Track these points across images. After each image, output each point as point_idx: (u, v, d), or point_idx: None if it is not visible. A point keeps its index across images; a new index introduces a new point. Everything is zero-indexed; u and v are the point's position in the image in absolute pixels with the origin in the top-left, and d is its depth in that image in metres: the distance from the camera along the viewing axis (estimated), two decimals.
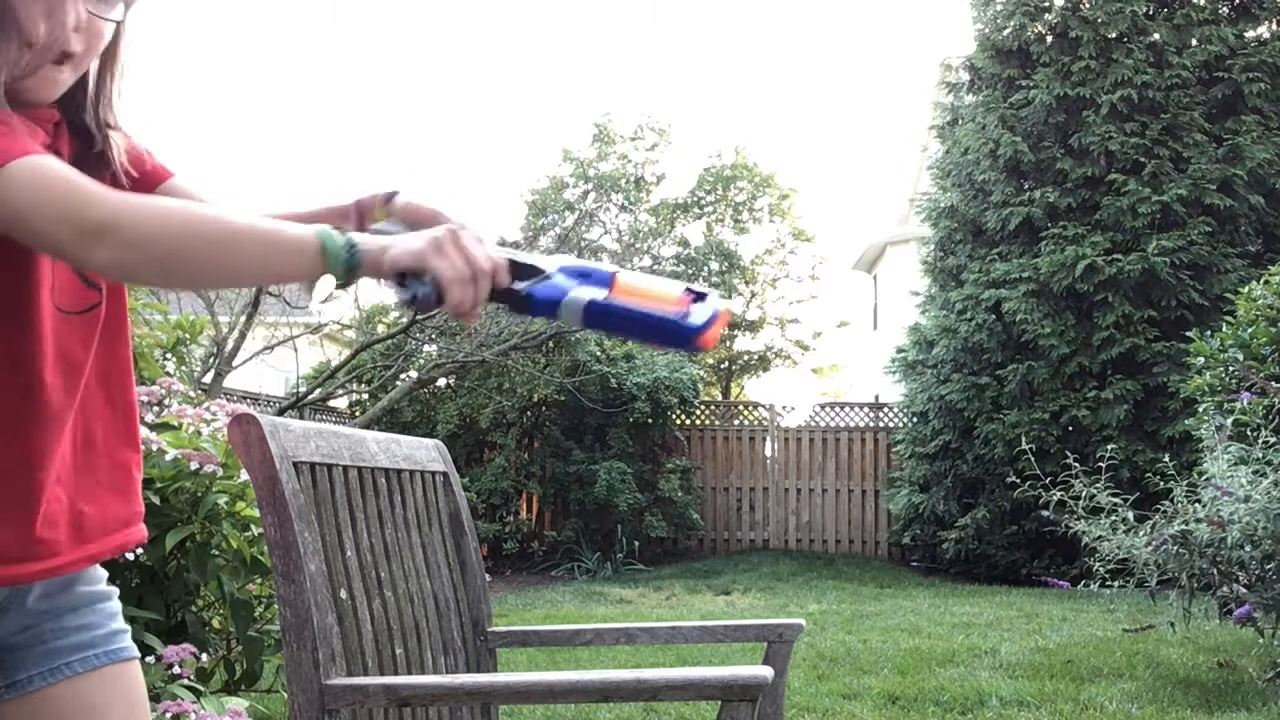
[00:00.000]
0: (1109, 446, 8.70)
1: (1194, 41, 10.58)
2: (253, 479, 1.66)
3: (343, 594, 1.76)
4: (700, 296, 1.31)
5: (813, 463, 12.68)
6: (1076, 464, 5.43)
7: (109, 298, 1.34)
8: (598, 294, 1.28)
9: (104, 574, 1.42)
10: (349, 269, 1.19)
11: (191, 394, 3.83)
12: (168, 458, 3.02)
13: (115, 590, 1.43)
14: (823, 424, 12.86)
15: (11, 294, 1.22)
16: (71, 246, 1.11)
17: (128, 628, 1.42)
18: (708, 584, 10.08)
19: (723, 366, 24.51)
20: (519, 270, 1.28)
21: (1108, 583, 5.14)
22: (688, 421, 12.86)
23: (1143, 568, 4.95)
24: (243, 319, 8.44)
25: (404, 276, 1.22)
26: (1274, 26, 11.02)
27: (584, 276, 1.30)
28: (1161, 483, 5.30)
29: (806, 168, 48.27)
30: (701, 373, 16.32)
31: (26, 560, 1.26)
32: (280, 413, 9.12)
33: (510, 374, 11.46)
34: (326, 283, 1.21)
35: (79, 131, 1.31)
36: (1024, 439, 9.09)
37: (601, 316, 1.28)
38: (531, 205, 23.65)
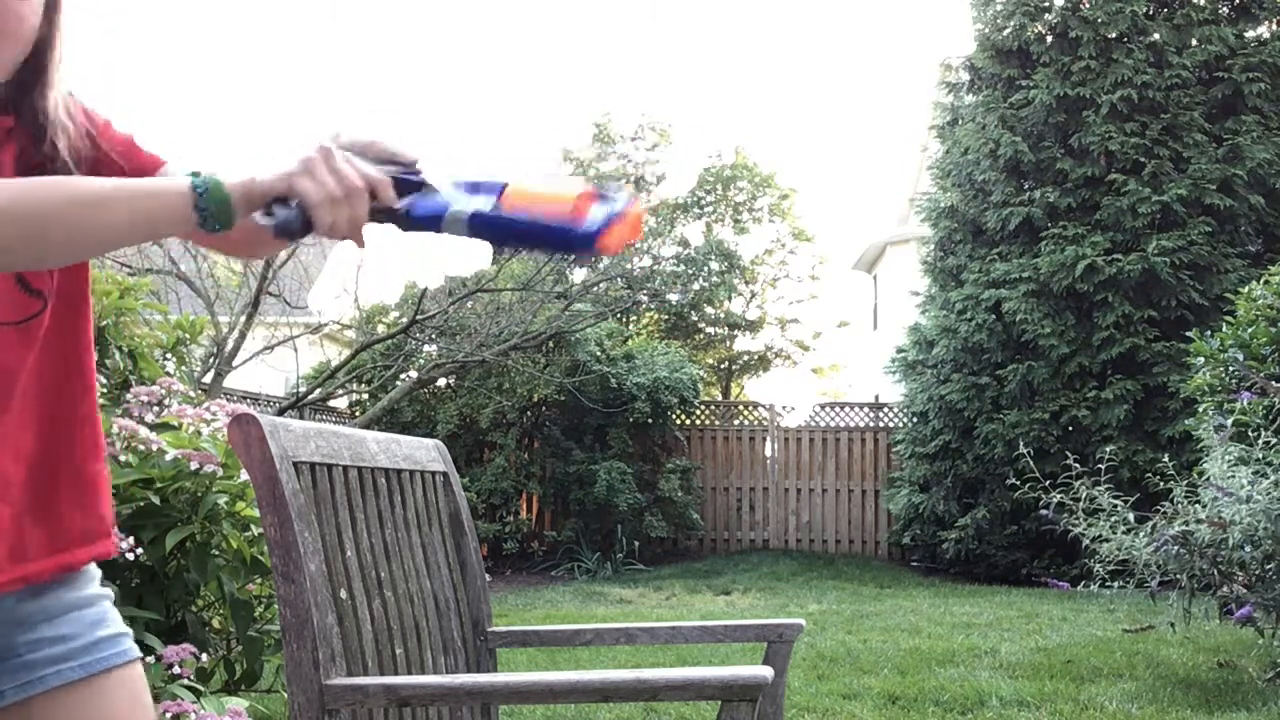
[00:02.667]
0: (1109, 447, 8.72)
1: (1194, 41, 10.58)
2: (253, 479, 1.66)
3: (343, 594, 1.76)
4: (603, 197, 1.23)
5: (813, 463, 12.68)
6: (1076, 464, 5.43)
7: (62, 306, 1.30)
8: (484, 205, 1.21)
9: (96, 575, 1.37)
10: (214, 204, 1.16)
11: (191, 394, 3.83)
12: (168, 458, 3.02)
13: (106, 594, 1.37)
14: (823, 424, 12.86)
15: None
16: None
17: (124, 631, 1.37)
18: (708, 584, 10.08)
19: (723, 366, 24.50)
20: (406, 187, 1.23)
21: (1108, 583, 5.14)
22: (688, 421, 12.86)
23: (1143, 568, 4.95)
24: (243, 319, 8.44)
25: (274, 204, 1.18)
26: (1274, 26, 11.02)
27: (474, 188, 1.23)
28: (1161, 483, 5.30)
29: (806, 168, 48.29)
30: (701, 373, 16.32)
31: None
32: (280, 413, 9.12)
33: (510, 374, 11.46)
34: (201, 222, 1.16)
35: (32, 132, 1.27)
36: (1024, 439, 9.11)
37: (487, 227, 1.21)
38: None
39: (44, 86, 1.26)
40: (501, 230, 1.22)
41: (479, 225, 1.21)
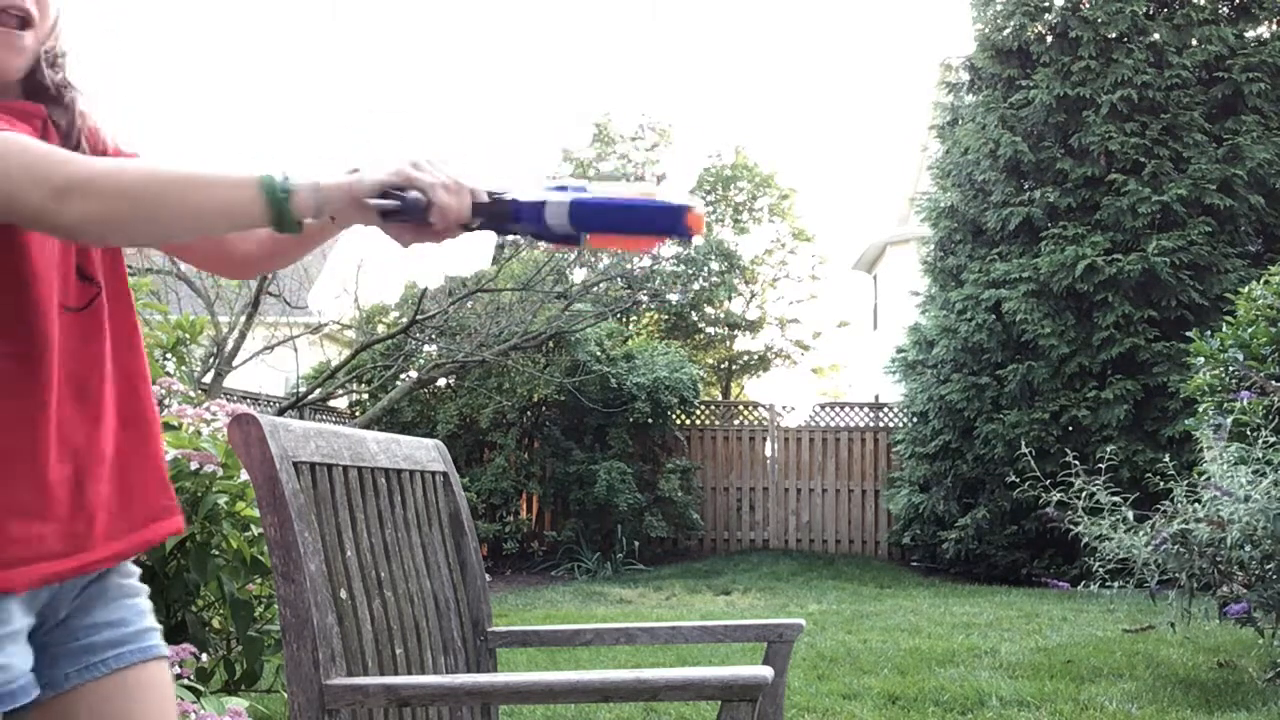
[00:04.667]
0: (1109, 446, 8.72)
1: (1194, 41, 10.58)
2: (253, 479, 1.66)
3: (343, 594, 1.76)
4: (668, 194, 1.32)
5: (813, 463, 12.68)
6: (1076, 464, 5.43)
7: (112, 295, 1.36)
8: (578, 194, 1.30)
9: (136, 570, 1.43)
10: (284, 205, 1.22)
11: (191, 394, 3.83)
12: (168, 458, 3.02)
13: (146, 588, 1.44)
14: (823, 424, 12.85)
15: (16, 293, 1.24)
16: (44, 206, 1.13)
17: (158, 626, 1.43)
18: (708, 584, 10.08)
19: (723, 366, 24.50)
20: (495, 195, 1.32)
21: (1108, 583, 5.14)
22: (688, 421, 12.86)
23: (1143, 568, 4.95)
24: (243, 319, 8.45)
25: (388, 194, 1.26)
26: (1274, 26, 11.02)
27: (561, 189, 1.32)
28: (1161, 483, 5.30)
29: (806, 168, 48.27)
30: (701, 373, 16.31)
31: (66, 556, 1.27)
32: (280, 413, 9.12)
33: (510, 374, 11.46)
34: (293, 214, 1.23)
35: (60, 123, 1.34)
36: (1024, 439, 9.10)
37: (588, 212, 1.29)
38: None
39: (60, 78, 1.35)
40: (602, 212, 1.30)
41: (580, 209, 1.29)
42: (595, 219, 1.30)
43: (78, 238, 1.20)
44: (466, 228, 1.31)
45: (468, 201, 1.28)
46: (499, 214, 1.30)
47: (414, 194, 1.25)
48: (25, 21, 1.28)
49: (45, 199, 1.13)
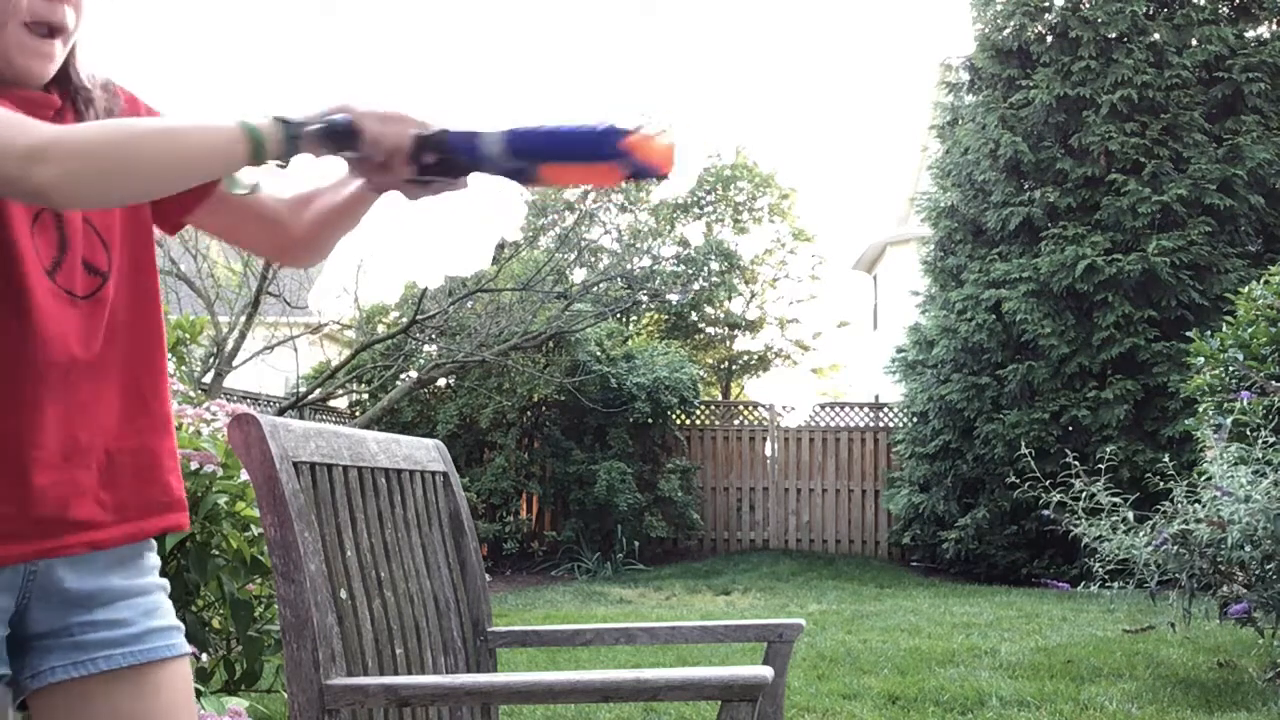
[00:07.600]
0: (1109, 446, 8.73)
1: (1194, 41, 10.58)
2: (253, 479, 1.66)
3: (343, 594, 1.76)
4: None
5: (813, 463, 12.67)
6: (1076, 464, 5.43)
7: (126, 288, 1.37)
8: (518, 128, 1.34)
9: (155, 565, 1.43)
10: (289, 137, 1.27)
11: (191, 394, 3.83)
12: None
13: (162, 584, 1.42)
14: (823, 424, 12.85)
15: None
16: (13, 172, 1.13)
17: (176, 624, 1.41)
18: (708, 584, 10.08)
19: (723, 366, 24.50)
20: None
21: (1108, 583, 5.14)
22: (688, 421, 12.86)
23: (1143, 568, 4.95)
24: (243, 319, 8.44)
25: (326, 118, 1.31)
26: (1274, 26, 11.02)
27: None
28: (1161, 483, 5.30)
29: (806, 168, 48.26)
30: (701, 373, 16.31)
31: (27, 539, 1.25)
32: (280, 413, 9.12)
33: (510, 374, 11.46)
34: (275, 149, 1.27)
35: (78, 113, 1.34)
36: (1024, 439, 9.11)
37: (521, 139, 1.32)
38: (531, 205, 23.65)
39: (74, 65, 1.35)
40: (537, 138, 1.32)
41: (513, 138, 1.32)
42: (529, 146, 1.32)
43: (51, 202, 1.18)
44: (416, 163, 1.33)
45: (405, 131, 1.31)
46: (438, 145, 1.33)
47: (342, 118, 1.29)
48: (55, 30, 1.28)
49: (15, 164, 1.12)
